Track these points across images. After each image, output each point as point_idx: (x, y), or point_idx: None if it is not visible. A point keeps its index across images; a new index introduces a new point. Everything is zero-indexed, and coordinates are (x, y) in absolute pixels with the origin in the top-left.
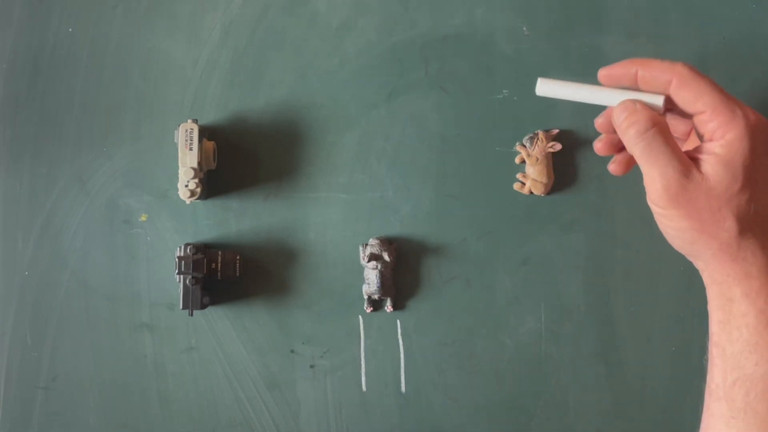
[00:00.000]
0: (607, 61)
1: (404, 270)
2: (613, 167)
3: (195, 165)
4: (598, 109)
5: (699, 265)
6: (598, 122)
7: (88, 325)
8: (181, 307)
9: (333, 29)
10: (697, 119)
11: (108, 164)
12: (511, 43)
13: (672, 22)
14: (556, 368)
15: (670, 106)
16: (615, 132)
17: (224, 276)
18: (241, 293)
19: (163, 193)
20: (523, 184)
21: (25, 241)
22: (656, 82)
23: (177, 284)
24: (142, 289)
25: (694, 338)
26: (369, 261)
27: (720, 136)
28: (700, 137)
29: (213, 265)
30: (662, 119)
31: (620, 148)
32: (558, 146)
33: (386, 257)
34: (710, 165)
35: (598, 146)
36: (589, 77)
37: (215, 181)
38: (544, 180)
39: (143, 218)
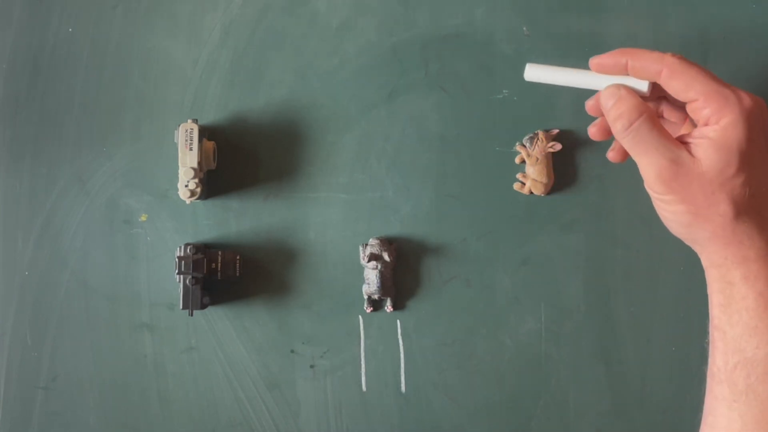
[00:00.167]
0: None
1: (404, 270)
2: (612, 155)
3: (195, 165)
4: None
5: (697, 248)
6: (589, 105)
7: (88, 325)
8: (181, 307)
9: (333, 29)
10: (690, 107)
11: (108, 164)
12: (511, 43)
13: (672, 22)
14: (556, 368)
15: (663, 94)
16: None
17: (224, 276)
18: (241, 293)
19: (163, 193)
20: (523, 184)
21: (25, 241)
22: (646, 72)
23: (177, 284)
24: (142, 289)
25: (694, 338)
26: (369, 261)
27: (714, 122)
28: (695, 123)
29: (213, 265)
30: (649, 107)
31: None
32: (558, 146)
33: (386, 257)
34: (703, 149)
35: (593, 131)
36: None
37: (215, 181)
38: (544, 180)
39: (143, 218)
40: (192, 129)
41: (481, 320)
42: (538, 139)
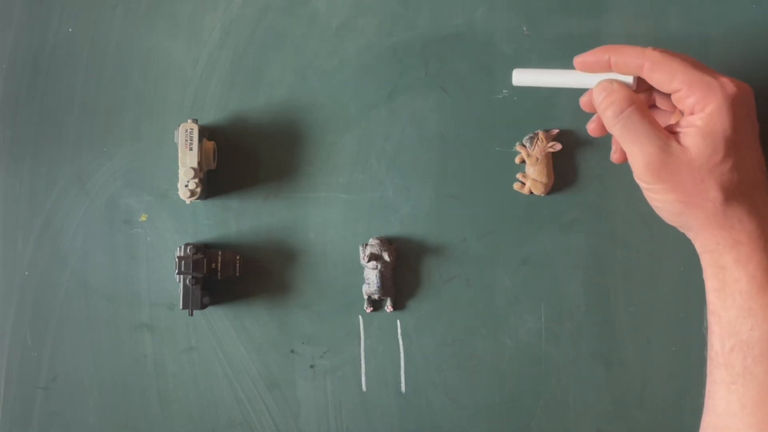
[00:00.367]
0: None
1: (404, 270)
2: (615, 157)
3: (195, 165)
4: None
5: (690, 235)
6: (583, 101)
7: (88, 325)
8: (181, 307)
9: (333, 29)
10: (675, 97)
11: (108, 164)
12: (511, 43)
13: (672, 22)
14: (556, 368)
15: (648, 86)
16: None
17: (224, 276)
18: (241, 293)
19: (163, 193)
20: (523, 184)
21: (25, 241)
22: (628, 67)
23: (177, 284)
24: (142, 289)
25: (694, 338)
26: (369, 261)
27: (700, 110)
28: (682, 113)
29: (213, 265)
30: (638, 97)
31: None
32: (558, 146)
33: (386, 257)
34: (690, 137)
35: (591, 127)
36: None
37: (215, 181)
38: (544, 180)
39: (143, 218)
40: (192, 129)
41: (481, 320)
42: (538, 139)
